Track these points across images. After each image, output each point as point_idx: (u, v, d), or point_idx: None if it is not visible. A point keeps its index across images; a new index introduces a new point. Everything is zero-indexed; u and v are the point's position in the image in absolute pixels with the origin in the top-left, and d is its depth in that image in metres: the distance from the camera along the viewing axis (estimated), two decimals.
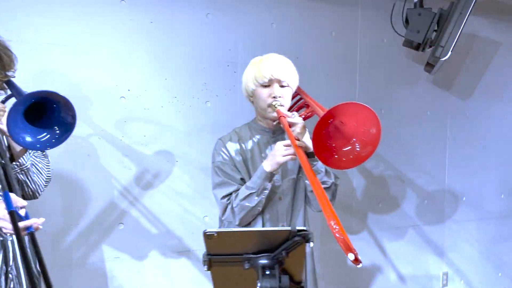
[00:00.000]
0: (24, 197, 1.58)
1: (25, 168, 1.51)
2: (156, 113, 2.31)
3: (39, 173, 1.58)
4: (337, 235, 0.92)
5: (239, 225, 1.63)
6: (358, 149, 1.37)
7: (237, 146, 1.70)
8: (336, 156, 1.37)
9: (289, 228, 0.92)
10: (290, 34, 2.66)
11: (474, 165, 3.42)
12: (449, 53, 2.28)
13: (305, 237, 0.92)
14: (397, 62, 3.04)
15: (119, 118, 2.23)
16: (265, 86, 1.65)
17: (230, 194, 1.62)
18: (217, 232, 0.91)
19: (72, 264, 2.14)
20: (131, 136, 2.26)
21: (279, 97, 1.63)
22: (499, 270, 3.62)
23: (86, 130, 2.15)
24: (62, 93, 2.05)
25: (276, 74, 1.62)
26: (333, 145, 1.39)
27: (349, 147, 1.37)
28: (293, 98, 1.92)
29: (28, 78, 1.99)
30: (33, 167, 1.55)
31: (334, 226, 0.93)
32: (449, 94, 3.31)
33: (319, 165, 1.61)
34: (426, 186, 3.25)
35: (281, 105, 1.63)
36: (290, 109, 1.91)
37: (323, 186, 1.61)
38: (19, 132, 1.28)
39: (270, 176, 1.56)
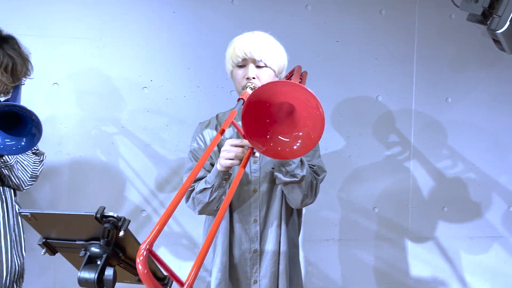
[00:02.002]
0: (10, 187, 1.75)
1: (9, 165, 1.64)
2: (178, 103, 2.32)
3: (23, 169, 1.71)
4: (139, 266, 0.68)
5: (201, 214, 1.53)
6: (295, 146, 1.15)
7: (213, 131, 1.60)
8: (268, 137, 1.17)
9: (92, 214, 0.81)
10: (328, 15, 2.43)
11: None
12: (507, 23, 1.81)
13: (115, 225, 0.80)
14: (469, 41, 2.57)
15: (142, 108, 2.29)
16: (240, 67, 1.51)
17: (197, 180, 1.51)
18: (31, 213, 0.86)
19: None
20: (153, 126, 2.30)
21: (253, 78, 1.47)
22: None
23: (110, 119, 2.25)
24: (91, 85, 2.21)
25: (250, 52, 1.47)
26: (269, 124, 1.18)
27: (288, 139, 1.16)
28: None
29: (54, 71, 2.17)
30: (18, 164, 1.68)
31: (142, 252, 0.69)
32: None
33: None
34: None
35: (255, 88, 1.48)
36: None
37: (292, 179, 1.43)
38: None
39: (222, 174, 1.42)
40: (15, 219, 1.76)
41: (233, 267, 1.54)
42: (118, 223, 0.82)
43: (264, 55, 1.48)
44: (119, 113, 2.26)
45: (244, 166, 1.23)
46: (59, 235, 0.90)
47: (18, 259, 1.76)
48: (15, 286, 1.75)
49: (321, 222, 2.51)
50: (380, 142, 2.56)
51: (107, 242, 0.84)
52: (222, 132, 1.23)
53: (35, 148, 1.79)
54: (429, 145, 2.59)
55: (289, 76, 1.69)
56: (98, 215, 0.81)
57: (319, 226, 2.51)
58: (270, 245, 1.53)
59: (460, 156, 2.63)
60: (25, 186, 1.75)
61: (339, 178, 2.51)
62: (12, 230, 1.73)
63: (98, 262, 0.84)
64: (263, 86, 1.12)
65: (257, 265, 1.54)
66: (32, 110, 1.49)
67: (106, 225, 0.82)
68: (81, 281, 0.82)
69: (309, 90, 1.07)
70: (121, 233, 0.82)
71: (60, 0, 2.16)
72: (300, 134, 1.16)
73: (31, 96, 1.99)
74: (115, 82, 2.25)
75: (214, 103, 2.33)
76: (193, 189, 1.51)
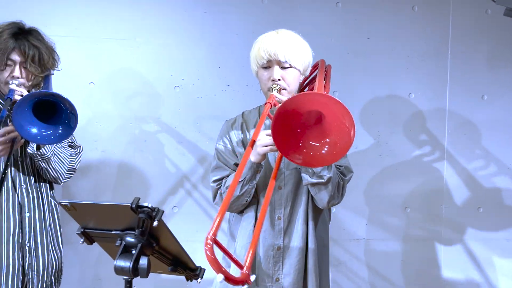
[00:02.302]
0: (47, 181, 1.79)
1: (46, 158, 1.66)
2: (209, 101, 2.35)
3: (60, 162, 1.73)
4: (207, 253, 0.81)
5: (229, 211, 1.55)
6: (324, 151, 1.14)
7: (239, 132, 1.62)
8: (301, 145, 1.17)
9: (127, 204, 0.84)
10: (359, 12, 2.41)
11: None
12: None
13: (149, 215, 0.82)
14: (506, 37, 2.49)
15: (174, 106, 2.33)
16: (265, 68, 1.51)
17: (222, 179, 1.54)
18: (70, 203, 0.89)
19: None
20: (184, 124, 2.34)
21: (278, 80, 1.47)
22: None
23: (143, 117, 2.31)
24: (125, 84, 2.27)
25: (275, 54, 1.46)
26: (300, 133, 1.17)
27: (317, 144, 1.16)
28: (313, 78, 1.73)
29: (90, 71, 2.24)
30: (55, 156, 1.70)
31: (208, 241, 0.82)
32: None
33: None
34: None
35: (283, 89, 1.48)
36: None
37: (319, 180, 1.42)
38: (25, 123, 1.49)
39: (256, 166, 1.44)
40: (50, 214, 1.79)
41: (255, 263, 1.54)
42: (152, 213, 0.85)
43: (289, 56, 1.47)
44: (152, 111, 2.31)
45: (275, 178, 1.22)
46: (96, 225, 0.93)
47: (55, 253, 1.79)
48: (53, 280, 1.78)
49: (351, 221, 2.49)
50: (413, 141, 2.51)
51: (141, 232, 0.87)
52: (253, 144, 1.25)
53: (70, 140, 1.81)
54: (463, 144, 2.53)
55: (313, 71, 1.69)
56: (134, 205, 0.84)
57: (349, 225, 2.49)
58: (295, 242, 1.52)
59: (496, 156, 2.55)
60: (63, 179, 1.76)
61: (370, 177, 2.48)
62: (48, 225, 1.76)
63: (133, 252, 0.87)
64: (293, 98, 1.11)
65: (280, 262, 1.53)
66: (65, 97, 1.49)
67: (141, 215, 0.85)
68: (117, 269, 0.86)
69: (347, 110, 1.05)
70: (155, 223, 0.85)
71: (95, 2, 2.23)
72: (328, 140, 1.15)
73: (68, 95, 2.05)
74: (148, 81, 2.30)
75: (244, 101, 2.35)
76: (220, 187, 1.54)
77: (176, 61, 2.32)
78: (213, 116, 2.35)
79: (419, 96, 2.48)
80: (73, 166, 1.79)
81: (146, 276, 0.87)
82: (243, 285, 0.85)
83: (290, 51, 1.47)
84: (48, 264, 1.74)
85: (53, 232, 1.81)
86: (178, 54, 2.31)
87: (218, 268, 0.79)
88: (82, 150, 1.86)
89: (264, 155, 1.41)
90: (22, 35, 1.64)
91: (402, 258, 2.53)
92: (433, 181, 2.53)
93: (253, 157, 1.41)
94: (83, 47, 2.23)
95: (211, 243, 0.81)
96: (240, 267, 0.86)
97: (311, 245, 1.52)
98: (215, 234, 0.84)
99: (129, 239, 0.87)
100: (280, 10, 2.36)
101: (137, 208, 0.84)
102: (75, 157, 1.80)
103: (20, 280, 1.68)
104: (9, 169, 1.66)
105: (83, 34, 2.22)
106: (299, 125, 1.16)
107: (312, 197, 1.53)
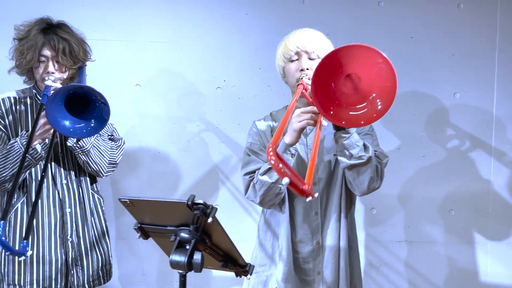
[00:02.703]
0: (90, 175, 1.81)
1: (85, 150, 1.67)
2: (250, 102, 2.38)
3: (101, 155, 1.73)
4: (272, 161, 0.89)
5: (261, 204, 1.55)
6: (379, 106, 1.19)
7: (269, 128, 1.64)
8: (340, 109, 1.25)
9: (184, 201, 0.87)
10: (401, 11, 2.38)
11: None
12: None
13: (204, 212, 0.85)
14: None
15: (215, 107, 2.37)
16: (293, 61, 1.55)
17: (254, 171, 1.56)
18: (129, 199, 0.93)
19: None
20: (226, 124, 2.38)
21: (307, 69, 1.50)
22: None
23: (186, 117, 2.37)
24: (169, 85, 2.33)
25: (302, 45, 1.51)
26: (340, 100, 1.26)
27: (365, 110, 1.21)
28: None
29: (137, 73, 2.32)
30: (94, 149, 1.71)
31: (270, 151, 0.90)
32: None
33: (354, 139, 1.42)
34: None
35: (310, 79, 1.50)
36: None
37: (358, 161, 1.43)
38: (58, 116, 1.50)
39: (289, 148, 1.45)
40: (94, 208, 1.81)
41: (297, 259, 1.58)
42: (206, 210, 0.88)
43: (316, 47, 1.52)
44: (194, 112, 2.37)
45: (320, 128, 1.30)
46: (152, 220, 0.98)
47: (101, 247, 1.82)
48: (101, 274, 1.82)
49: (394, 224, 2.46)
50: (457, 141, 2.45)
51: (196, 228, 0.90)
52: (293, 105, 1.32)
53: (109, 133, 1.83)
54: (511, 144, 2.44)
55: None
56: (189, 202, 0.88)
57: (391, 227, 2.46)
58: (330, 237, 1.56)
59: None
60: (105, 172, 1.76)
61: (413, 179, 2.44)
62: (89, 220, 1.78)
63: (187, 247, 0.90)
64: (322, 61, 1.21)
65: (320, 256, 1.57)
66: (95, 88, 1.49)
67: (196, 211, 0.88)
68: (172, 263, 0.89)
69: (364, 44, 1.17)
70: (210, 220, 0.88)
71: (141, 7, 2.30)
72: (374, 95, 1.21)
73: (116, 96, 2.14)
74: (190, 82, 2.36)
75: (284, 102, 2.32)
76: (252, 179, 1.55)
77: (217, 63, 2.36)
78: (254, 117, 2.35)
79: (465, 96, 2.41)
80: (115, 159, 1.80)
81: (200, 270, 0.91)
82: (307, 197, 0.91)
83: (317, 43, 1.52)
84: (93, 258, 1.77)
85: (97, 226, 1.82)
86: (220, 56, 2.36)
87: (283, 173, 0.86)
88: (123, 143, 1.87)
89: (299, 134, 1.41)
90: (51, 29, 1.66)
91: (446, 262, 2.47)
92: (479, 183, 2.45)
93: (287, 138, 1.43)
94: (129, 51, 2.31)
95: (272, 153, 0.89)
96: (302, 183, 0.91)
97: (342, 242, 1.56)
98: (274, 144, 0.95)
99: (184, 234, 0.91)
100: (321, 11, 2.36)
101: (192, 205, 0.87)
102: (116, 150, 1.81)
103: (64, 275, 1.71)
104: (49, 165, 1.68)
105: (129, 38, 2.30)
106: (337, 86, 1.24)
107: (343, 193, 1.56)
